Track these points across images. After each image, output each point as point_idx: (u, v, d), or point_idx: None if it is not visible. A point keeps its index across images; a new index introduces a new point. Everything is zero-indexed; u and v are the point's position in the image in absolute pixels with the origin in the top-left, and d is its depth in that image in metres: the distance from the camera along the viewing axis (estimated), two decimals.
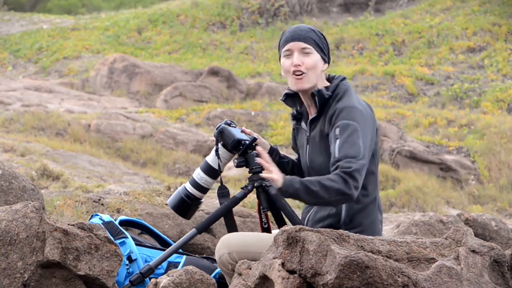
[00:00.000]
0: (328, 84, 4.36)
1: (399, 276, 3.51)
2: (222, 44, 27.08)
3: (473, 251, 3.76)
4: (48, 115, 17.38)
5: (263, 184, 4.36)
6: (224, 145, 4.41)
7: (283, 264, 3.63)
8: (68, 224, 4.33)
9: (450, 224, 6.87)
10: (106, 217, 4.91)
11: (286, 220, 4.43)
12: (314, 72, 4.30)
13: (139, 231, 5.67)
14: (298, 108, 4.46)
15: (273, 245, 3.73)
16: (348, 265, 3.46)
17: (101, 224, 4.72)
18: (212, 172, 4.44)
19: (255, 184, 4.37)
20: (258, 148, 4.34)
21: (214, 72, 21.76)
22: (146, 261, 4.80)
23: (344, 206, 4.28)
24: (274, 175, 4.21)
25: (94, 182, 10.62)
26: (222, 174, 4.49)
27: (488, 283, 3.69)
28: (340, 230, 3.68)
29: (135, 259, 4.76)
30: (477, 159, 16.80)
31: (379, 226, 4.36)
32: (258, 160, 4.30)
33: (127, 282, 4.60)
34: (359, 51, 25.56)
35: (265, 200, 4.38)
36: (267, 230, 4.43)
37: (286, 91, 4.45)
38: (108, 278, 4.29)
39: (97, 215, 4.95)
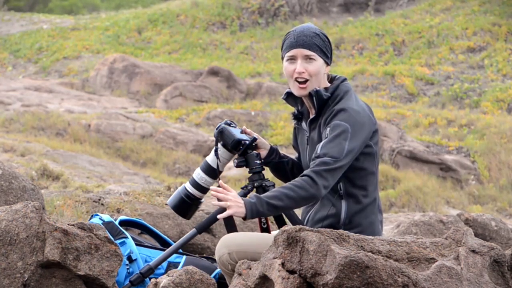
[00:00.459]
0: (328, 85, 4.36)
1: (399, 276, 3.51)
2: (222, 44, 27.08)
3: (473, 251, 3.76)
4: (48, 115, 17.38)
5: (263, 184, 4.36)
6: (224, 145, 4.41)
7: (283, 264, 3.63)
8: (68, 224, 4.33)
9: (450, 224, 6.87)
10: (106, 217, 4.91)
11: (286, 220, 4.43)
12: (317, 78, 4.31)
13: (139, 231, 5.67)
14: (299, 107, 4.46)
15: (273, 245, 3.73)
16: (348, 265, 3.46)
17: (101, 224, 4.72)
18: (212, 172, 4.45)
19: (255, 184, 4.37)
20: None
21: (214, 72, 21.76)
22: (146, 261, 4.80)
23: (344, 207, 4.28)
24: (231, 210, 4.09)
25: (94, 182, 10.62)
26: (222, 174, 4.49)
27: (488, 283, 3.69)
28: (340, 230, 3.68)
29: (135, 259, 4.76)
30: (477, 159, 16.79)
31: (378, 226, 4.35)
32: (213, 195, 4.13)
33: (127, 282, 4.60)
34: (359, 51, 25.56)
35: None
36: (266, 230, 4.43)
37: (288, 89, 4.44)
38: (108, 278, 4.29)
39: (97, 215, 4.95)
